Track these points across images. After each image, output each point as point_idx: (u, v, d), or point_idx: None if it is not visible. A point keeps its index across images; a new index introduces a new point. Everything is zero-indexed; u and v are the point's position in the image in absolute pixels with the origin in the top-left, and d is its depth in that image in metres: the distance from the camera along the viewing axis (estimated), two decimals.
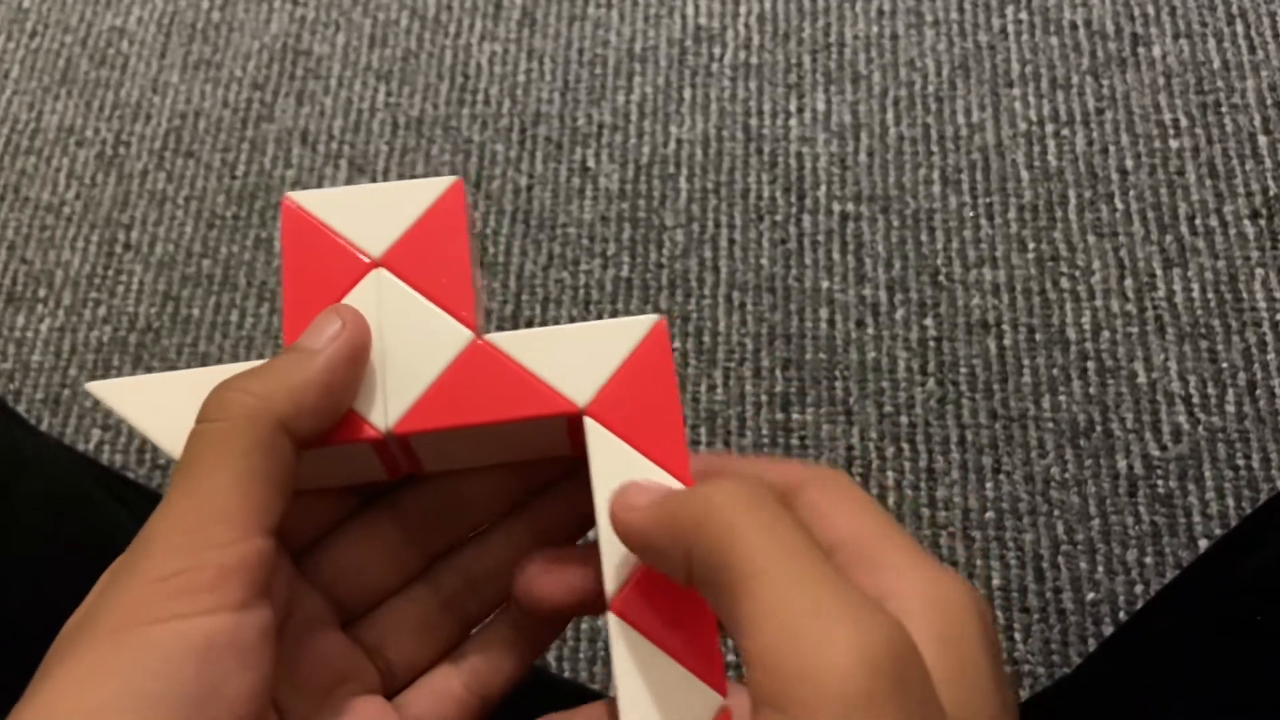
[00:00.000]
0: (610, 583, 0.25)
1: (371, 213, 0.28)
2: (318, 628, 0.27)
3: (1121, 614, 0.69)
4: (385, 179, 0.86)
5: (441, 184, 0.28)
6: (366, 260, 0.27)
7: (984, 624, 0.22)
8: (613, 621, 0.25)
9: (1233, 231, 0.80)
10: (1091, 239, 0.80)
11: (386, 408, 0.26)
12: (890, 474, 0.74)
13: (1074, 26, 0.89)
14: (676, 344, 0.79)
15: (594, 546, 0.26)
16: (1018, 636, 0.69)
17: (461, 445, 0.27)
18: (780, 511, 0.21)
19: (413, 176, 0.86)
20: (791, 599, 0.19)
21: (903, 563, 0.22)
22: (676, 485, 0.26)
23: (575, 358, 0.27)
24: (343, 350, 0.25)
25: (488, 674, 0.28)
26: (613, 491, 0.25)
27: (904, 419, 0.75)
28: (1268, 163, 0.82)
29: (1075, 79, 0.86)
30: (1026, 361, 0.77)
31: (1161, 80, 0.86)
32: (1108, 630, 0.69)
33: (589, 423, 0.26)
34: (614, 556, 0.25)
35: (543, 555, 0.27)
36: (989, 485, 0.73)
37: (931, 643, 0.21)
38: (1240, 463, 0.73)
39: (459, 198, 0.28)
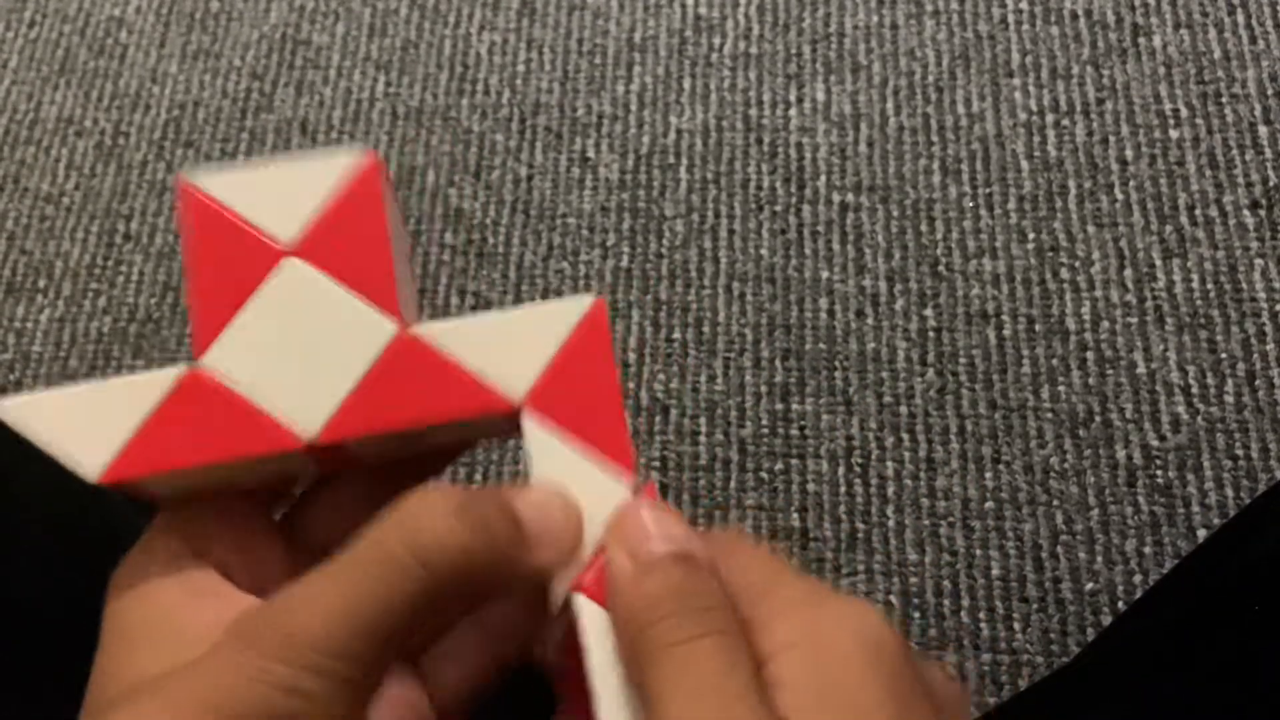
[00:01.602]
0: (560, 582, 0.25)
1: (279, 194, 0.25)
2: None
3: (1120, 604, 0.69)
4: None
5: (353, 158, 0.26)
6: (277, 248, 0.25)
7: (873, 658, 0.21)
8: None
9: (1232, 222, 0.80)
10: (1091, 229, 0.80)
11: (310, 413, 0.24)
12: (890, 464, 0.74)
13: (1074, 16, 0.88)
14: (676, 335, 0.79)
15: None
16: (1017, 626, 0.69)
17: (396, 441, 0.26)
18: (700, 641, 0.21)
19: (411, 165, 0.86)
20: None
21: (778, 619, 0.22)
22: (617, 484, 0.25)
23: (509, 347, 0.25)
24: None
25: (504, 635, 0.28)
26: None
27: (904, 409, 0.76)
28: (1268, 153, 0.82)
29: (1075, 69, 0.86)
30: (1026, 352, 0.77)
31: (1162, 70, 0.86)
32: (1106, 620, 0.69)
33: (526, 421, 0.25)
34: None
35: None
36: (988, 475, 0.73)
37: (807, 710, 0.20)
38: (1239, 453, 0.73)
39: (374, 172, 0.26)
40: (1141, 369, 0.76)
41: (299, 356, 0.25)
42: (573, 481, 0.25)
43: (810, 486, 0.74)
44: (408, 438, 0.25)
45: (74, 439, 0.24)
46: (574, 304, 0.25)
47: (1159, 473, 0.73)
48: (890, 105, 0.86)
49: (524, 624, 0.28)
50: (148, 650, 0.23)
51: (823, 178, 0.84)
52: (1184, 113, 0.84)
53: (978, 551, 0.71)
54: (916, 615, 0.70)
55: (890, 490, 0.73)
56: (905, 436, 0.75)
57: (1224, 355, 0.76)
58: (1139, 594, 0.70)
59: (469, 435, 0.27)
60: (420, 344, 0.25)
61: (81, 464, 0.24)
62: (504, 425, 0.26)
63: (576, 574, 0.24)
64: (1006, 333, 0.77)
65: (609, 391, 0.25)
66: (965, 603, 0.70)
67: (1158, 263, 0.79)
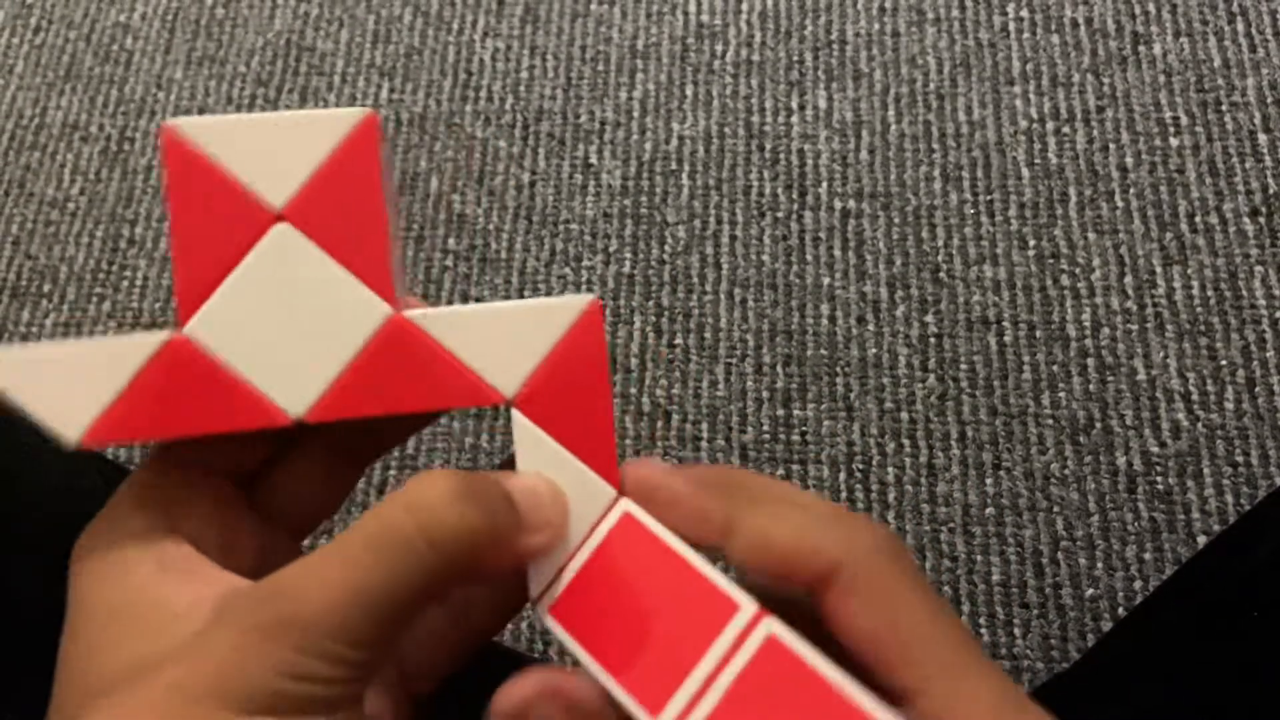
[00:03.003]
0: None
1: (271, 150, 0.24)
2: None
3: (1120, 610, 0.69)
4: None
5: (351, 117, 0.24)
6: (268, 212, 0.24)
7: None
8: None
9: (1232, 229, 0.80)
10: (1092, 236, 0.81)
11: (297, 391, 0.24)
12: (890, 470, 0.74)
13: (1075, 24, 0.89)
14: (679, 340, 0.79)
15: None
16: (1017, 631, 0.69)
17: (379, 418, 0.25)
18: (916, 575, 0.23)
19: (414, 171, 0.86)
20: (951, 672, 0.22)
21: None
22: (602, 484, 0.25)
23: (502, 341, 0.24)
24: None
25: (475, 614, 0.28)
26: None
27: (904, 415, 0.76)
28: (1267, 161, 0.82)
29: (1076, 77, 0.86)
30: (1027, 358, 0.77)
31: (1162, 78, 0.86)
32: (1106, 626, 0.69)
33: (516, 416, 0.25)
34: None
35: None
36: (989, 481, 0.73)
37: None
38: (1239, 459, 0.73)
39: (372, 136, 0.24)
40: (1142, 376, 0.76)
41: (287, 332, 0.24)
42: (559, 480, 0.25)
43: (811, 492, 0.74)
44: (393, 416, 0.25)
45: (51, 400, 0.23)
46: (570, 302, 0.25)
47: (1159, 479, 0.73)
48: (892, 112, 0.86)
49: (492, 605, 0.28)
50: (130, 633, 0.22)
51: (824, 184, 0.84)
52: (1184, 120, 0.84)
53: (978, 557, 0.72)
54: None
55: (891, 496, 0.73)
56: (906, 442, 0.75)
57: (1224, 362, 0.76)
58: (1139, 600, 0.70)
59: (449, 411, 0.27)
60: (413, 329, 0.24)
61: (58, 428, 0.23)
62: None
63: (556, 565, 0.24)
64: (1007, 339, 0.78)
65: (600, 396, 0.25)
66: (965, 608, 0.70)
67: (1158, 270, 0.79)
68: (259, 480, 0.27)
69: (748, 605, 0.22)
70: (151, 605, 0.22)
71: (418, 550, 0.21)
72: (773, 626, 0.22)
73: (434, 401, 0.24)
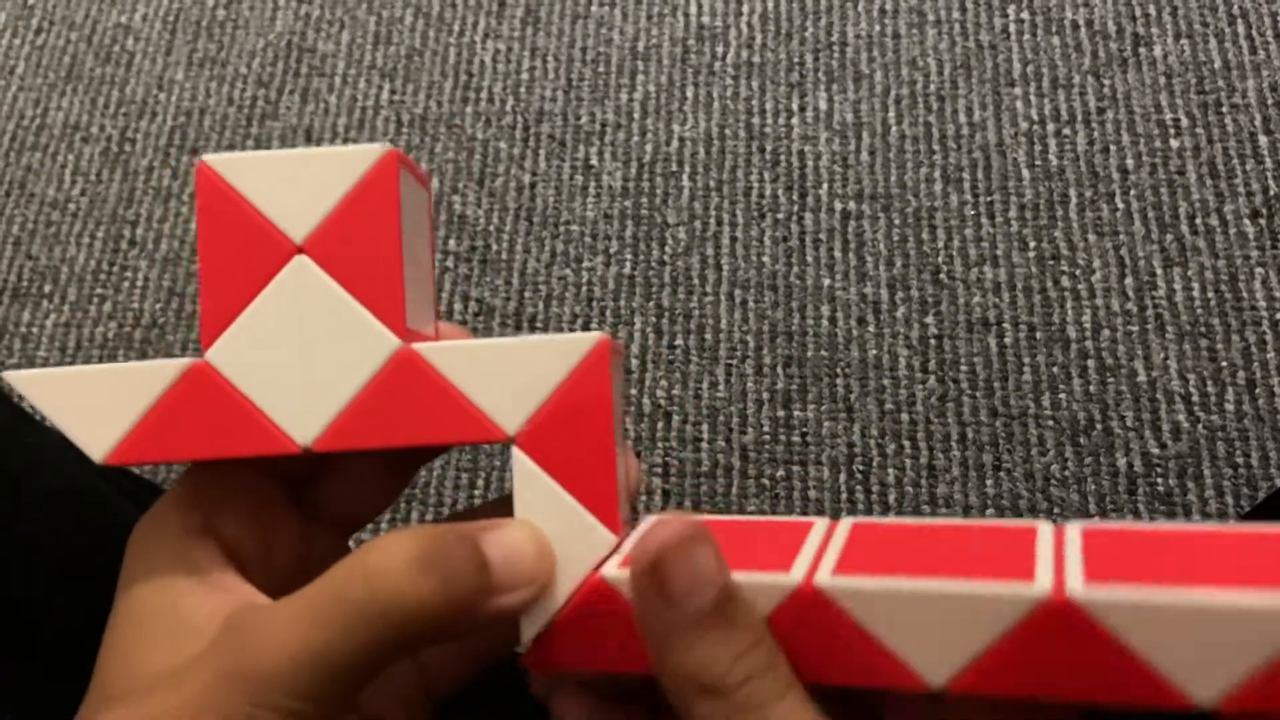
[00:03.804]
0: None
1: (296, 186, 0.25)
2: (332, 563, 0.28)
3: None
4: None
5: (371, 154, 0.25)
6: (288, 245, 0.25)
7: None
8: None
9: (1233, 231, 0.80)
10: (1092, 238, 0.81)
11: (306, 421, 0.25)
12: (891, 471, 0.74)
13: (1075, 26, 0.89)
14: (679, 341, 0.79)
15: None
16: None
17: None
18: None
19: (409, 171, 0.86)
20: None
21: None
22: (602, 530, 0.24)
23: (508, 378, 0.24)
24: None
25: (495, 630, 0.28)
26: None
27: (905, 416, 0.76)
28: (1268, 162, 0.82)
29: (1076, 78, 0.87)
30: (1027, 359, 0.77)
31: (1163, 80, 0.86)
32: None
33: (516, 455, 0.24)
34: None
35: None
36: (989, 483, 0.74)
37: None
38: (1239, 461, 0.73)
39: (391, 171, 0.25)
40: (1142, 377, 0.76)
41: (301, 361, 0.25)
42: (556, 523, 0.24)
43: (812, 493, 0.74)
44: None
45: (82, 418, 0.25)
46: (578, 340, 0.25)
47: (1159, 480, 0.73)
48: (892, 114, 0.86)
49: (513, 620, 0.28)
50: (151, 644, 0.23)
51: (825, 186, 0.84)
52: (1184, 122, 0.84)
53: None
54: None
55: (891, 497, 0.74)
56: (906, 444, 0.75)
57: (1224, 363, 0.76)
58: None
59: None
60: (420, 363, 0.25)
61: (87, 444, 0.25)
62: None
63: (548, 614, 0.24)
64: (1008, 340, 0.78)
65: (604, 435, 0.24)
66: None
67: (1158, 271, 0.79)
68: (310, 477, 0.28)
69: (822, 520, 0.23)
70: (175, 615, 0.24)
71: (369, 620, 0.22)
72: (856, 519, 0.23)
73: (437, 436, 0.25)
